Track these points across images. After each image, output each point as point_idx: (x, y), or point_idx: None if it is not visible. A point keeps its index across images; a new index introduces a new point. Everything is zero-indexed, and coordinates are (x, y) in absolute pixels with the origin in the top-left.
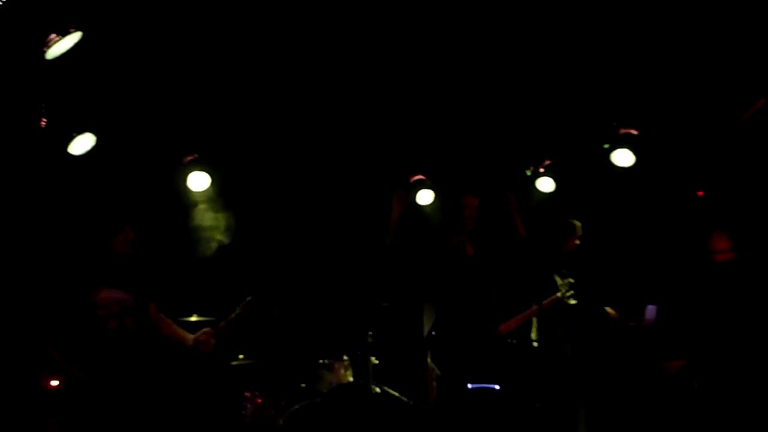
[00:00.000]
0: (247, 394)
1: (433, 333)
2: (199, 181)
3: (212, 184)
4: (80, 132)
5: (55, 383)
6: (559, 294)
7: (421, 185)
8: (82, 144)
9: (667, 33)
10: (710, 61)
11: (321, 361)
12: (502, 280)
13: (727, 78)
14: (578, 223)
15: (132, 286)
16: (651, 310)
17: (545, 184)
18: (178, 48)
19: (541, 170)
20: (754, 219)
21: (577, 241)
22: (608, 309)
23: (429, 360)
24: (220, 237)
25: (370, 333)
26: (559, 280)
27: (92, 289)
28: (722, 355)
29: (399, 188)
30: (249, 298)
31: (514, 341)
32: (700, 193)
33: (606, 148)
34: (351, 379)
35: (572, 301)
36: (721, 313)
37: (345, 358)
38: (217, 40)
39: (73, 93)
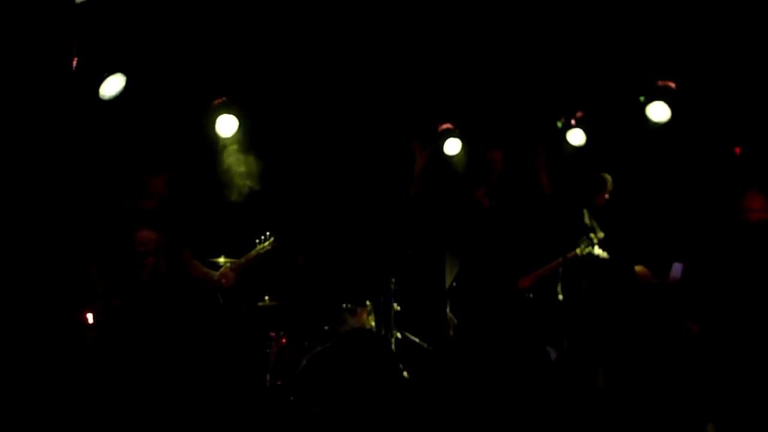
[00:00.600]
0: (272, 334)
1: (454, 284)
2: (227, 125)
3: (240, 128)
4: (111, 73)
5: (89, 317)
6: (577, 250)
7: (449, 134)
8: (113, 85)
9: None
10: (750, 17)
11: (344, 305)
12: (524, 234)
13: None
14: (609, 177)
15: (167, 227)
16: (677, 268)
17: (576, 137)
18: None
19: (573, 122)
20: None
21: (607, 196)
22: (638, 267)
23: (448, 310)
24: (248, 181)
25: (393, 280)
26: (583, 237)
27: (133, 228)
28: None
29: (414, 138)
30: (272, 239)
31: (531, 295)
32: (737, 150)
33: (642, 101)
34: (373, 324)
35: (601, 253)
36: (753, 274)
37: (368, 303)
38: None
39: (104, 34)
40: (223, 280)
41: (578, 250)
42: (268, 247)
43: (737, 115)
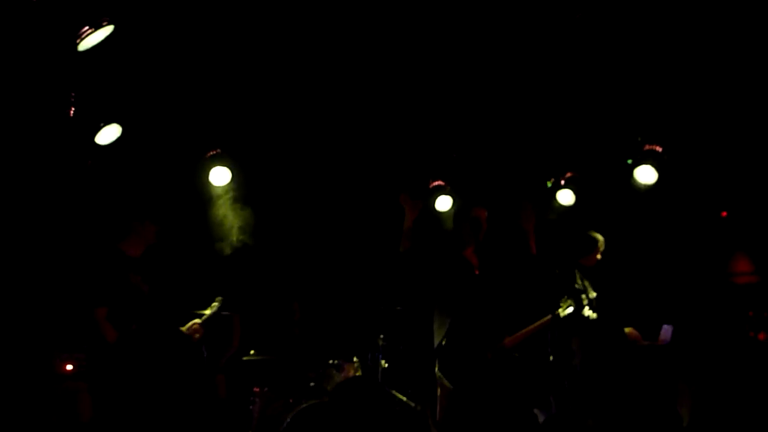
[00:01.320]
0: (257, 389)
1: (443, 343)
2: (220, 176)
3: (233, 180)
4: (107, 122)
5: (69, 367)
6: (559, 310)
7: (440, 191)
8: (108, 134)
9: (695, 51)
10: (737, 81)
11: (331, 361)
12: (511, 293)
13: (755, 98)
14: (600, 238)
15: (152, 277)
16: (666, 330)
17: (565, 197)
18: (204, 44)
19: (562, 182)
20: None
21: (599, 256)
22: (628, 329)
23: (437, 370)
24: (239, 234)
25: (382, 336)
26: (565, 297)
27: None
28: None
29: (404, 194)
30: (219, 299)
31: (517, 355)
32: (724, 214)
33: (629, 164)
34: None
35: (590, 314)
36: (739, 335)
37: (355, 359)
38: (242, 38)
39: (102, 85)
40: (196, 335)
41: (560, 310)
42: (216, 308)
43: (724, 178)
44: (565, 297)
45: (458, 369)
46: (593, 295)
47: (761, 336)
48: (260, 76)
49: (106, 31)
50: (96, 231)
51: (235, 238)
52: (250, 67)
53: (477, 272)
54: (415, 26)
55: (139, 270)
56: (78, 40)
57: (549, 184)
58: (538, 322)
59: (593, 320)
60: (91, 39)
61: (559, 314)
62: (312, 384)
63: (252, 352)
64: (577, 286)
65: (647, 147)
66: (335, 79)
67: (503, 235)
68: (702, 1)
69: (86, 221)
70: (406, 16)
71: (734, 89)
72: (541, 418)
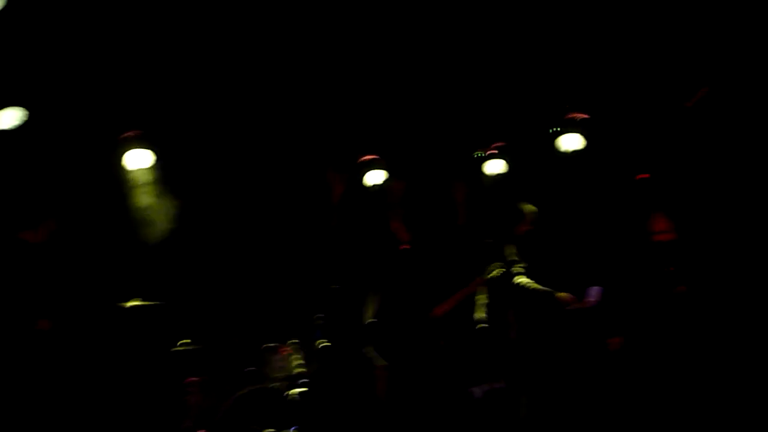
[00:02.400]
0: (191, 379)
1: (373, 320)
2: (139, 160)
3: (153, 164)
4: (5, 106)
5: None
6: (485, 276)
7: (372, 165)
8: (8, 118)
9: (615, 20)
10: (656, 49)
11: (268, 345)
12: (439, 264)
13: (671, 66)
14: (532, 207)
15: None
16: (594, 291)
17: (495, 166)
18: (118, 14)
19: (491, 152)
20: (693, 202)
21: (529, 226)
22: (561, 294)
23: (370, 348)
24: (161, 221)
25: (320, 316)
26: (494, 263)
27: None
28: (660, 332)
29: (330, 170)
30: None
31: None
32: (643, 176)
33: (555, 132)
34: (300, 362)
35: (526, 281)
36: (660, 292)
37: (293, 341)
38: (159, 9)
39: (3, 64)
40: None
41: (485, 276)
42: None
43: (642, 143)
44: (495, 264)
45: (388, 344)
46: (522, 264)
47: (682, 288)
48: (176, 49)
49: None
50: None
51: (159, 226)
52: (165, 39)
53: (404, 245)
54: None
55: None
56: None
57: (478, 155)
58: (465, 289)
59: (529, 288)
60: None
61: (487, 278)
62: (249, 369)
63: (184, 341)
64: (508, 254)
65: (571, 114)
66: (258, 56)
67: (431, 207)
68: None
69: None
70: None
71: (650, 55)
72: (477, 394)
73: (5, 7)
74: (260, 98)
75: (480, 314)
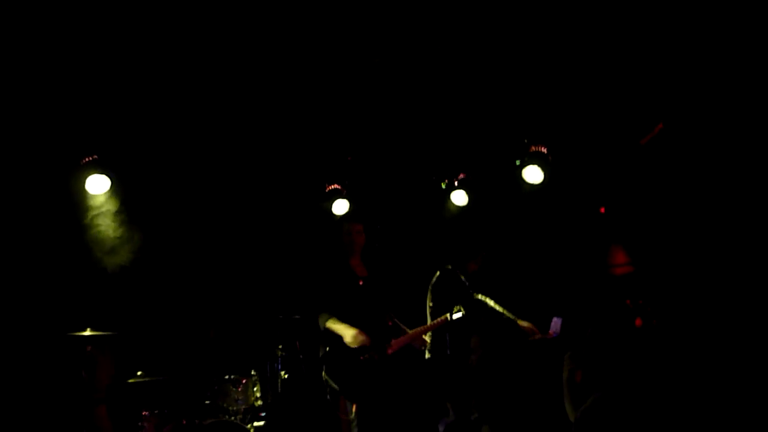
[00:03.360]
0: (145, 413)
1: (327, 350)
2: (98, 185)
3: (113, 189)
4: None
5: None
6: (447, 315)
7: (337, 195)
8: None
9: (574, 55)
10: (614, 86)
11: (227, 376)
12: (393, 300)
13: (628, 103)
14: (482, 252)
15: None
16: (556, 323)
17: (459, 198)
18: (75, 33)
19: (456, 183)
20: (650, 235)
21: (476, 267)
22: (522, 322)
23: (323, 374)
24: (116, 246)
25: (281, 347)
26: (458, 306)
27: None
28: (615, 365)
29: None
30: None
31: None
32: (602, 210)
33: (518, 165)
34: (259, 395)
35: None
36: (620, 324)
37: (253, 372)
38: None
39: None
40: None
41: (449, 315)
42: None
43: (601, 177)
44: (458, 305)
45: (341, 372)
46: (479, 296)
47: (637, 322)
48: (140, 76)
49: None
50: None
51: (119, 256)
52: (128, 67)
53: (360, 282)
54: (303, 27)
55: None
56: None
57: (443, 186)
58: (425, 326)
59: (494, 312)
60: None
61: (448, 318)
62: (207, 402)
63: (139, 373)
64: (463, 285)
65: (533, 148)
66: (224, 82)
67: (389, 243)
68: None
69: None
70: (294, 17)
71: (610, 94)
72: (439, 425)
73: None
74: (221, 121)
75: (427, 340)
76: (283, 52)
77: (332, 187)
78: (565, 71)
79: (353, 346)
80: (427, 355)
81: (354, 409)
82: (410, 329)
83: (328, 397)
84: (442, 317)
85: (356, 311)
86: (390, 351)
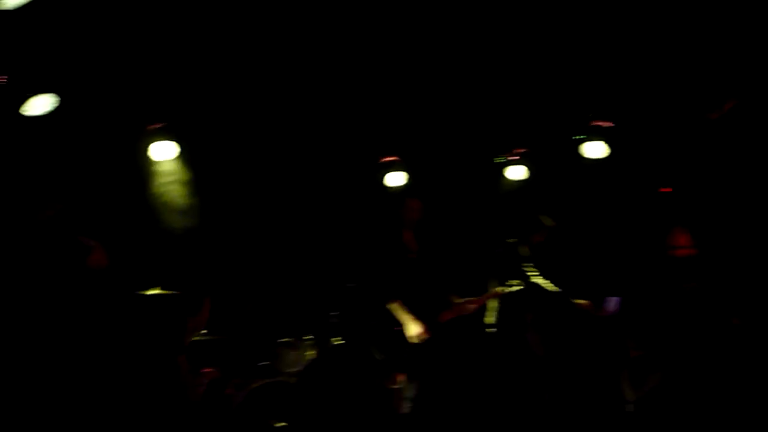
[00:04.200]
0: (206, 370)
1: (373, 321)
2: (164, 151)
3: (178, 155)
4: (39, 92)
5: None
6: (501, 288)
7: (392, 167)
8: (39, 105)
9: (642, 27)
10: (683, 59)
11: (283, 339)
12: (444, 275)
13: (698, 76)
14: (548, 222)
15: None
16: (612, 302)
17: (516, 172)
18: (149, 8)
19: (513, 158)
20: (715, 217)
21: (542, 239)
22: (580, 300)
23: (372, 347)
24: (184, 212)
25: (335, 313)
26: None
27: None
28: (680, 348)
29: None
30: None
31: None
32: (666, 189)
33: (578, 139)
34: (313, 358)
35: (545, 283)
36: (679, 308)
37: (308, 337)
38: (187, 7)
39: (32, 49)
40: None
41: (503, 288)
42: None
43: (666, 155)
44: (516, 280)
45: (388, 343)
46: (536, 272)
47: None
48: (208, 43)
49: None
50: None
51: (182, 217)
52: (194, 37)
53: (413, 256)
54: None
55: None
56: None
57: (500, 160)
58: (477, 298)
59: (549, 291)
60: None
61: (502, 291)
62: (264, 363)
63: (203, 331)
64: (524, 261)
65: (595, 123)
66: (282, 53)
67: (443, 219)
68: None
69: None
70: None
71: (679, 67)
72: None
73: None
74: (284, 94)
75: (490, 319)
76: (340, 26)
77: (387, 158)
78: (631, 41)
79: (412, 341)
80: (488, 329)
81: (401, 379)
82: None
83: (376, 366)
84: (496, 290)
85: (407, 285)
86: (443, 320)
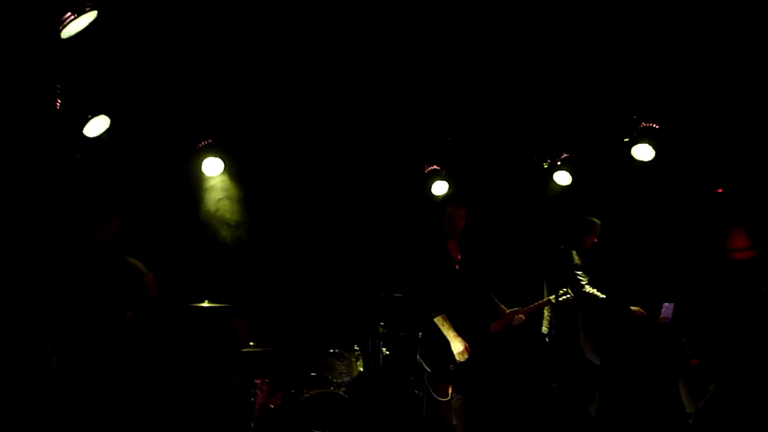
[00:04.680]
0: (257, 381)
1: (422, 333)
2: (212, 167)
3: (226, 171)
4: (95, 114)
5: None
6: (551, 297)
7: (436, 176)
8: (96, 126)
9: (692, 29)
10: (735, 60)
11: (332, 350)
12: (494, 282)
13: (751, 76)
14: (597, 221)
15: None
16: (668, 308)
17: (562, 178)
18: (197, 31)
19: (559, 163)
20: None
21: (595, 239)
22: (634, 307)
23: (418, 356)
24: (232, 226)
25: (382, 324)
26: (565, 288)
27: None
28: (739, 354)
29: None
30: None
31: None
32: (720, 190)
33: (626, 142)
34: (362, 369)
35: (593, 291)
36: (738, 312)
37: (356, 348)
38: (235, 26)
39: (89, 74)
40: None
41: (553, 297)
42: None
43: (719, 155)
44: (565, 287)
45: (435, 355)
46: (587, 277)
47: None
48: (252, 65)
49: (90, 17)
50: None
51: (228, 228)
52: (242, 56)
53: (457, 266)
54: (404, 13)
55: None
56: (61, 27)
57: (545, 166)
58: (526, 307)
59: (598, 298)
60: (75, 26)
61: (551, 300)
62: (313, 374)
63: (251, 343)
64: (575, 267)
65: (643, 124)
66: (327, 69)
67: (490, 227)
68: None
69: (71, 214)
70: (394, 5)
71: (728, 66)
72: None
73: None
74: (329, 107)
75: (544, 328)
76: (383, 31)
77: (432, 167)
78: (681, 40)
79: (458, 358)
80: (546, 338)
81: (450, 391)
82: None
83: (426, 378)
84: (545, 299)
85: (453, 296)
86: (492, 330)
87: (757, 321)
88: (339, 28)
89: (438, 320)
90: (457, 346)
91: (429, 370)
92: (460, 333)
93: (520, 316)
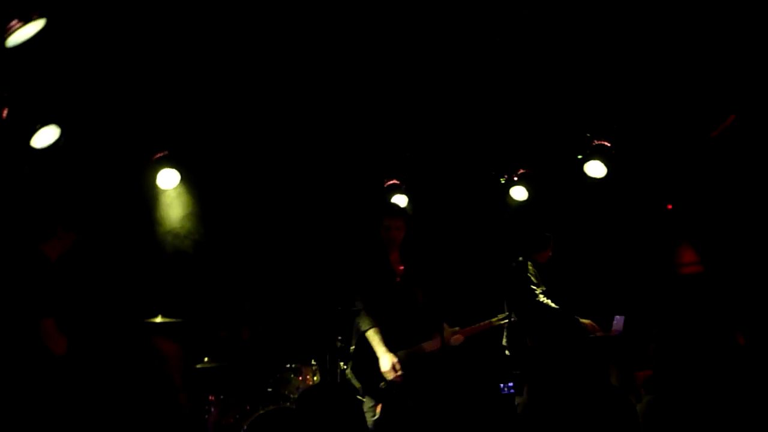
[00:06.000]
0: (212, 397)
1: (354, 347)
2: (168, 179)
3: (182, 182)
4: (44, 124)
5: None
6: (493, 320)
7: (396, 190)
8: (45, 137)
9: (639, 47)
10: (681, 77)
11: (288, 365)
12: (440, 297)
13: (697, 94)
14: (552, 240)
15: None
16: (618, 321)
17: (519, 193)
18: (148, 37)
19: (515, 179)
20: (721, 233)
21: (551, 253)
22: (585, 320)
23: (348, 372)
24: (188, 238)
25: (339, 338)
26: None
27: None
28: (686, 366)
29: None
30: None
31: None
32: (669, 207)
33: (579, 159)
34: (319, 383)
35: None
36: (686, 325)
37: (313, 362)
38: (189, 34)
39: (37, 83)
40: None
41: (494, 320)
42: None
43: (669, 172)
44: (509, 311)
45: (365, 371)
46: (542, 288)
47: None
48: (207, 73)
49: (37, 25)
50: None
51: (183, 240)
52: (196, 64)
53: (398, 279)
54: (365, 24)
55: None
56: (6, 35)
57: (502, 181)
58: (468, 328)
59: (551, 308)
60: (21, 33)
61: (491, 322)
62: (269, 389)
63: (206, 359)
64: (530, 280)
65: (596, 142)
66: (285, 82)
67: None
68: None
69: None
70: (355, 15)
71: (678, 85)
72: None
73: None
74: (282, 118)
75: (505, 340)
76: (341, 46)
77: (391, 182)
78: (630, 61)
79: (385, 376)
80: (506, 351)
81: (378, 411)
82: (451, 327)
83: (357, 395)
84: (486, 321)
85: (391, 309)
86: (426, 350)
87: (699, 334)
88: (295, 40)
89: (369, 334)
90: (386, 363)
91: (357, 386)
92: (394, 349)
93: (457, 336)
